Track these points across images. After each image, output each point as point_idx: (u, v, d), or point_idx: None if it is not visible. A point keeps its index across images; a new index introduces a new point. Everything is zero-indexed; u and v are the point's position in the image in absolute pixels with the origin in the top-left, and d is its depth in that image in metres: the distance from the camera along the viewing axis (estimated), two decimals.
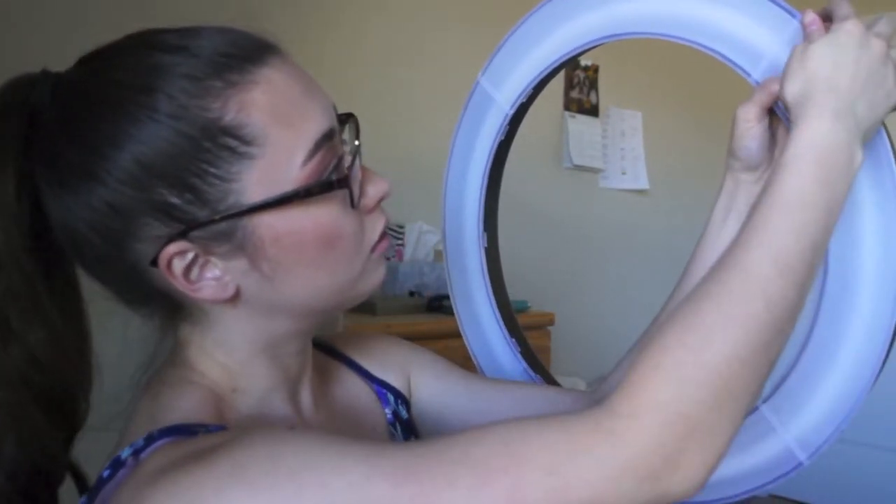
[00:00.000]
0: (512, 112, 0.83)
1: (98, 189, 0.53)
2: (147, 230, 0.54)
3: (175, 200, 0.53)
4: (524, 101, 0.82)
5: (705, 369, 0.49)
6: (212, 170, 0.53)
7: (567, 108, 2.75)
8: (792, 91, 0.60)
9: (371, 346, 0.79)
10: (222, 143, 0.53)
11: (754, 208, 0.56)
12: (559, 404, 0.75)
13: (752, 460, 0.71)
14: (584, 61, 2.80)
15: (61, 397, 0.58)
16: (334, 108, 0.59)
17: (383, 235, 0.62)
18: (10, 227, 0.54)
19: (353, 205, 0.57)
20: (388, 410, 0.75)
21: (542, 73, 0.79)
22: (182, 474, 0.47)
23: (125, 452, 0.54)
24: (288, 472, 0.46)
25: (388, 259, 2.05)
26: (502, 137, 0.84)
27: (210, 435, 0.53)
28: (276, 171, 0.54)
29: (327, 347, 0.77)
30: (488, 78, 0.83)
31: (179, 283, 0.55)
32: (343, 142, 0.60)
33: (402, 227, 2.09)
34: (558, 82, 2.72)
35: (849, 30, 0.59)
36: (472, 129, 0.86)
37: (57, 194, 0.54)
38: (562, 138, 2.74)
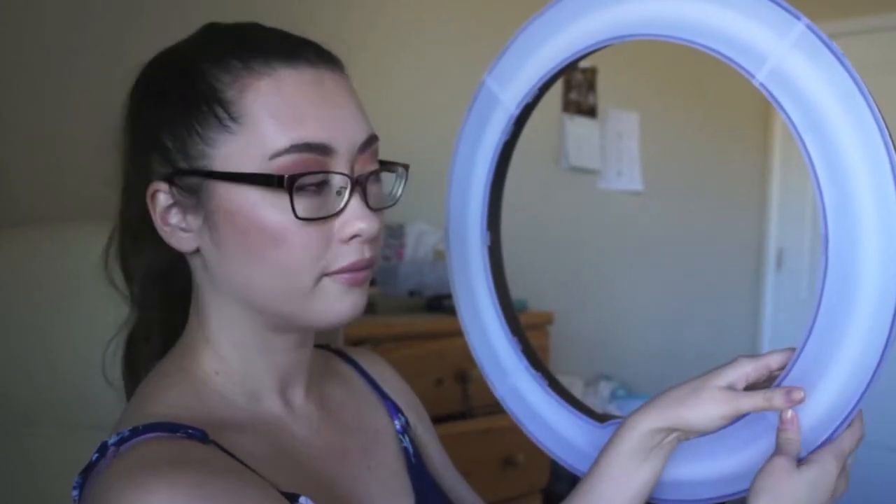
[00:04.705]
0: (517, 113, 0.83)
1: (141, 128, 0.64)
2: (154, 166, 0.62)
3: (169, 145, 0.61)
4: (529, 101, 0.82)
5: None
6: (198, 129, 0.60)
7: (565, 109, 2.75)
8: None
9: (389, 375, 0.83)
10: (213, 111, 0.59)
11: None
12: None
13: (753, 458, 0.71)
14: (583, 64, 2.80)
15: (172, 309, 0.69)
16: (368, 140, 0.62)
17: (351, 269, 0.61)
18: (133, 160, 0.65)
19: (294, 214, 0.58)
20: (397, 423, 0.78)
21: (547, 74, 0.80)
22: (161, 478, 0.52)
23: (112, 439, 0.58)
24: None
25: (386, 259, 2.06)
26: (507, 137, 0.85)
27: (191, 444, 0.57)
28: (246, 153, 0.59)
29: (348, 359, 0.81)
30: (494, 78, 0.84)
31: (156, 220, 0.63)
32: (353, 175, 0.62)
33: (402, 226, 2.09)
34: (557, 84, 2.72)
35: (829, 470, 0.63)
36: (476, 129, 0.86)
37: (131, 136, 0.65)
38: (560, 139, 2.75)
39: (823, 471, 0.63)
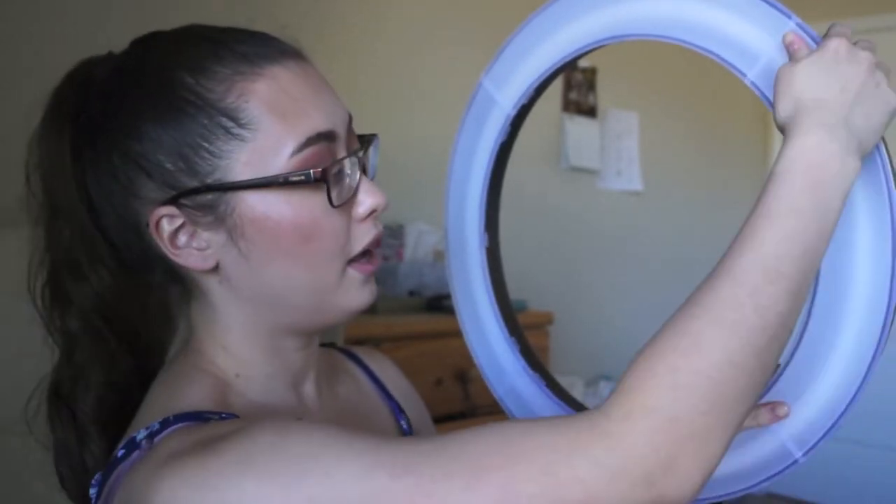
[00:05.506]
0: (514, 113, 0.83)
1: (111, 148, 0.60)
2: (145, 191, 0.60)
3: (169, 167, 0.59)
4: (525, 102, 0.83)
5: (697, 375, 0.50)
6: (205, 144, 0.58)
7: (565, 109, 2.75)
8: (782, 114, 0.60)
9: (395, 376, 0.83)
10: (217, 122, 0.58)
11: (746, 219, 0.57)
12: None
13: (747, 458, 0.71)
14: (583, 63, 2.81)
15: (129, 333, 0.65)
16: (350, 119, 0.64)
17: (369, 253, 0.64)
18: (69, 181, 0.61)
19: (331, 203, 0.59)
20: (403, 422, 0.79)
21: (543, 74, 0.80)
22: (194, 460, 0.51)
23: (140, 434, 0.57)
24: (293, 461, 0.49)
25: (386, 258, 2.06)
26: (504, 138, 0.85)
27: (222, 423, 0.57)
28: (264, 157, 0.58)
29: (354, 357, 0.81)
30: (491, 79, 0.84)
31: (164, 246, 0.60)
32: (358, 154, 0.64)
33: (402, 227, 2.10)
34: (557, 84, 2.72)
35: (833, 47, 0.59)
36: (474, 129, 0.87)
37: (87, 157, 0.61)
38: (560, 139, 2.75)
39: (825, 50, 0.59)
